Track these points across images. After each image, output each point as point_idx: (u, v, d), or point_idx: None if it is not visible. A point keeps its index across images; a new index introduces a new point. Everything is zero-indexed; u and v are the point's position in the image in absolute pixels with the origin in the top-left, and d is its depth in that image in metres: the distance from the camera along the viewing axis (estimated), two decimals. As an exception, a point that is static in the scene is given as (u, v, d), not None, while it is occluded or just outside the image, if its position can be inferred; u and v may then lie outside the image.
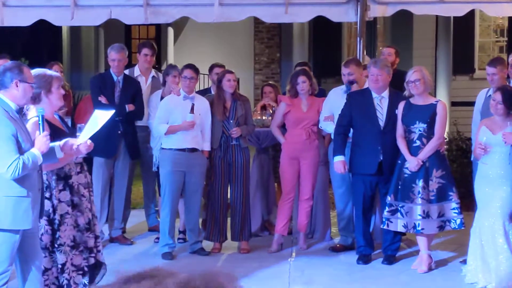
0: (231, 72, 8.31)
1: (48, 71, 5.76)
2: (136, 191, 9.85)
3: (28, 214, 5.19)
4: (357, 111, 7.73)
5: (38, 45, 16.20)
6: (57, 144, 5.32)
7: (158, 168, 8.36)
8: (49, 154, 5.30)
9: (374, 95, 7.71)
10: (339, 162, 7.75)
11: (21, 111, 5.39)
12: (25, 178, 5.14)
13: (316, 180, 8.37)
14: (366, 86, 8.08)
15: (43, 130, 5.16)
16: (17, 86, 5.15)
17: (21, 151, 5.05)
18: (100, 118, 5.52)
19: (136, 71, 9.08)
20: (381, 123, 7.65)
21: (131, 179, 8.79)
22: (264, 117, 9.14)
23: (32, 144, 5.14)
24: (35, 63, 7.40)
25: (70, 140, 5.38)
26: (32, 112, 5.56)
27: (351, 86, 8.10)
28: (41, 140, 5.11)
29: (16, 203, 5.14)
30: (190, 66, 8.17)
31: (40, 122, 5.16)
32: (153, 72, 9.15)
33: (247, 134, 8.34)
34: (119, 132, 8.38)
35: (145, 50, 9.05)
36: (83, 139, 5.44)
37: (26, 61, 13.48)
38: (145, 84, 8.94)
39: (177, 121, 7.93)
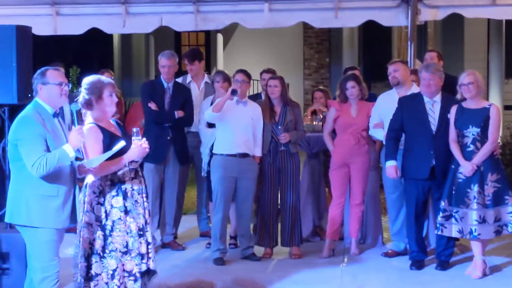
0: (274, 78, 8.33)
1: (102, 78, 5.85)
2: (186, 196, 9.91)
3: (59, 214, 5.35)
4: (409, 115, 7.67)
5: (89, 53, 16.40)
6: (77, 163, 5.51)
7: (207, 173, 8.41)
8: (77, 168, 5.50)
9: (426, 99, 7.65)
10: (391, 167, 7.70)
11: (79, 116, 5.51)
12: (55, 178, 5.32)
13: (366, 185, 8.33)
14: (413, 89, 8.06)
15: (77, 124, 5.34)
16: (41, 89, 5.45)
17: (49, 150, 5.25)
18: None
19: (188, 77, 9.15)
20: (433, 127, 7.58)
21: (182, 184, 8.85)
22: (314, 122, 9.14)
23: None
24: (87, 70, 7.50)
25: (82, 165, 5.51)
26: (89, 118, 5.67)
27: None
28: (73, 135, 5.29)
29: (45, 202, 5.32)
30: (242, 71, 8.28)
31: (74, 117, 5.38)
32: (206, 78, 9.17)
33: (297, 139, 8.33)
34: (168, 138, 8.41)
35: (184, 60, 9.12)
36: (95, 163, 5.52)
37: (78, 69, 13.67)
38: (197, 90, 9.00)
39: (229, 125, 7.94)
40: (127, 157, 5.60)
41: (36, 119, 5.32)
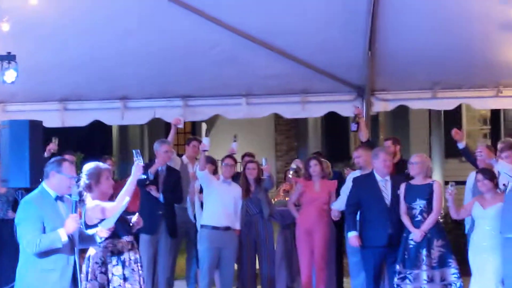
0: (252, 162, 8.44)
1: (101, 164, 5.79)
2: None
3: (57, 286, 5.10)
4: (365, 192, 7.66)
5: (92, 141, 16.37)
6: (95, 230, 5.31)
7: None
8: (90, 239, 5.30)
9: (378, 178, 7.64)
10: (353, 237, 7.62)
11: (76, 206, 5.27)
12: (52, 254, 5.05)
13: (328, 252, 8.25)
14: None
15: (74, 212, 5.07)
16: (54, 176, 5.19)
17: (45, 231, 5.00)
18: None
19: (185, 159, 9.11)
20: (387, 201, 7.57)
21: (173, 254, 8.67)
22: (286, 198, 9.15)
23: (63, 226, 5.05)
24: (89, 156, 7.47)
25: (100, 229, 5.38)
26: (88, 200, 5.58)
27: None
28: (69, 221, 5.00)
29: (43, 276, 5.05)
30: (230, 156, 8.37)
31: (73, 206, 5.05)
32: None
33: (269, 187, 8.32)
34: (160, 212, 8.27)
35: (194, 143, 9.11)
36: (110, 223, 5.42)
37: (82, 155, 13.57)
38: (192, 169, 8.96)
39: (215, 199, 7.92)
40: (134, 177, 5.62)
41: (36, 203, 5.10)
